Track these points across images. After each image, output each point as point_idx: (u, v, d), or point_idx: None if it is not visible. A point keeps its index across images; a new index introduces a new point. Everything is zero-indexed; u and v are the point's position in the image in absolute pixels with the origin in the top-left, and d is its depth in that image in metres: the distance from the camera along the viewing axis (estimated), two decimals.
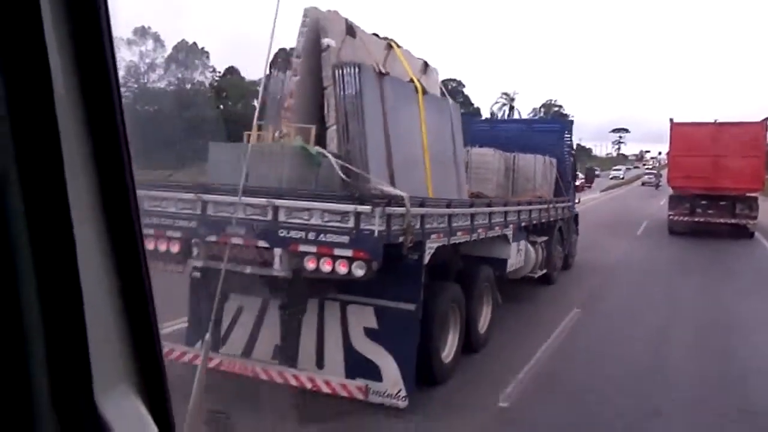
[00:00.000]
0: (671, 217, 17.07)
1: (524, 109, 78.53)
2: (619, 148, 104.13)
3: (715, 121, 17.03)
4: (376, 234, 4.17)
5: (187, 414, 1.53)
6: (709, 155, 16.15)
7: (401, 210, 4.46)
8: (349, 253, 4.24)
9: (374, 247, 4.18)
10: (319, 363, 4.97)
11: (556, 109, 79.48)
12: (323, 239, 4.31)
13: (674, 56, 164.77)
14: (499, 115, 66.31)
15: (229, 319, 5.19)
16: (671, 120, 17.10)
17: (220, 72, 48.99)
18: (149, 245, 4.94)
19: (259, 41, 5.62)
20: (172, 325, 5.74)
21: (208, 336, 3.64)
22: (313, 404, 4.57)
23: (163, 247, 4.87)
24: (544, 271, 9.39)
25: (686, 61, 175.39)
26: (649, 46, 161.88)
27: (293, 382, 4.60)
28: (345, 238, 4.25)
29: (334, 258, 4.29)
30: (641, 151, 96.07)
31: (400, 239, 4.46)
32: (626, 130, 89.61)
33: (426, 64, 7.19)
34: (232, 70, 49.17)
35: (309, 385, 4.56)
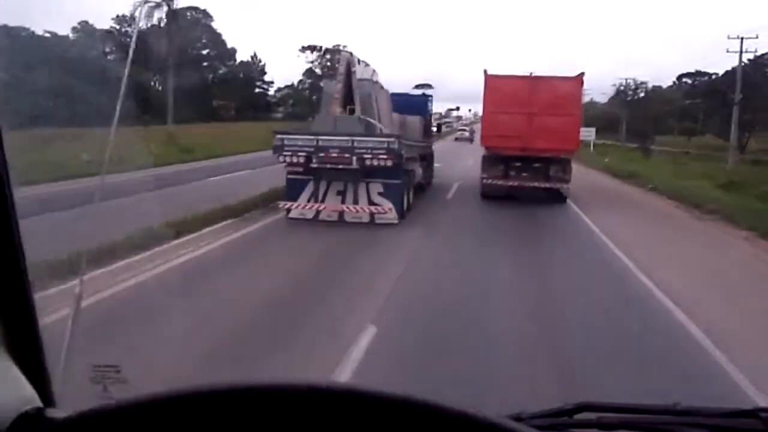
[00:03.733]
0: (484, 180, 15.88)
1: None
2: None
3: (531, 74, 16.06)
4: (396, 146, 11.74)
5: (60, 369, 1.26)
6: (525, 112, 15.11)
7: (396, 140, 12.07)
8: (384, 156, 11.72)
9: (395, 153, 11.74)
10: (359, 205, 12.36)
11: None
12: (374, 151, 11.72)
13: (483, 11, 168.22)
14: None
15: (324, 190, 12.35)
16: (485, 71, 15.70)
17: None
18: (291, 158, 11.90)
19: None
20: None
21: (80, 281, 1.92)
22: (355, 226, 12.05)
23: (296, 160, 11.91)
24: (425, 181, 17.57)
25: (497, 17, 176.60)
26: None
27: (350, 212, 12.03)
28: (383, 150, 11.73)
29: (378, 158, 11.74)
30: (447, 109, 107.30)
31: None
32: (429, 86, 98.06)
33: (374, 70, 14.66)
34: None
35: (355, 210, 12.02)
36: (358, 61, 13.01)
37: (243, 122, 53.16)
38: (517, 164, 15.80)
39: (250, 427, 0.66)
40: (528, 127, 15.22)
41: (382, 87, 14.85)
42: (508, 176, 15.85)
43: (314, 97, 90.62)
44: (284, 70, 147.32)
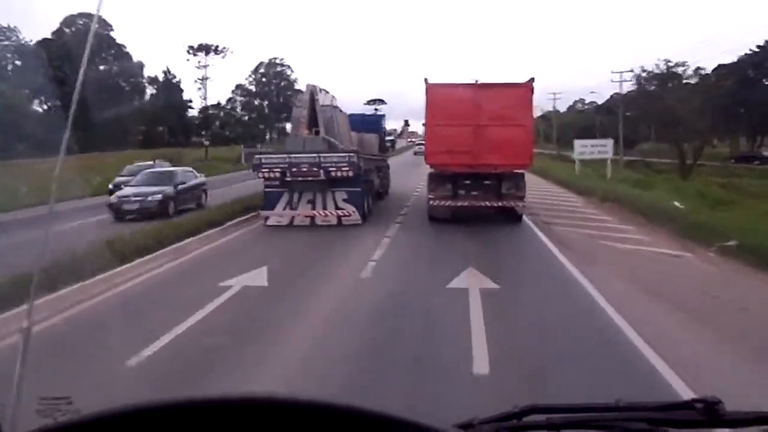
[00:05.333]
0: (431, 201, 14.90)
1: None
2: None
3: (476, 81, 14.91)
4: (355, 159, 14.41)
5: (9, 406, 1.31)
6: (471, 124, 14.19)
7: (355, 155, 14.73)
8: (346, 168, 14.37)
9: (355, 165, 14.41)
10: (327, 209, 14.94)
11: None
12: (337, 164, 14.35)
13: (428, 22, 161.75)
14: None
15: (296, 199, 14.88)
16: (426, 81, 14.64)
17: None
18: (268, 173, 14.42)
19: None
20: None
21: (29, 309, 2.00)
22: (322, 228, 14.65)
23: (272, 175, 14.44)
24: (382, 190, 20.29)
25: (442, 26, 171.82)
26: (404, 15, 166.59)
27: (320, 217, 14.65)
28: (345, 164, 14.38)
29: (341, 170, 14.36)
30: (403, 126, 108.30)
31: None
32: (382, 101, 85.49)
33: (333, 96, 17.31)
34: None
35: (323, 215, 14.65)
36: (320, 90, 15.64)
37: (149, 149, 46.12)
38: (467, 182, 14.79)
39: None
40: (475, 141, 14.16)
41: (341, 111, 17.55)
42: (457, 196, 14.81)
43: (248, 117, 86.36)
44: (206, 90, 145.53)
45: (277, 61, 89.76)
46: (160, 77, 73.56)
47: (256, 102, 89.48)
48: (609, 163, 30.69)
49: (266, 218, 15.00)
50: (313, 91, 15.35)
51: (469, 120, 14.22)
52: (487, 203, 14.73)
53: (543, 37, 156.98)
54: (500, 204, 14.72)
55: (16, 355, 1.50)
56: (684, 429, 1.16)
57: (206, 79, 67.35)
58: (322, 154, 14.48)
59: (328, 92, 16.60)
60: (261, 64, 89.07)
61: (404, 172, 27.78)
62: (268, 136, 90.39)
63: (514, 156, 14.25)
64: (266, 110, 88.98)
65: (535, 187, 21.82)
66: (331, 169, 14.34)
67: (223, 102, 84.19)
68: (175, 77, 73.84)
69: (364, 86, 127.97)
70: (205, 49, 67.06)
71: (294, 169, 14.42)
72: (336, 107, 16.82)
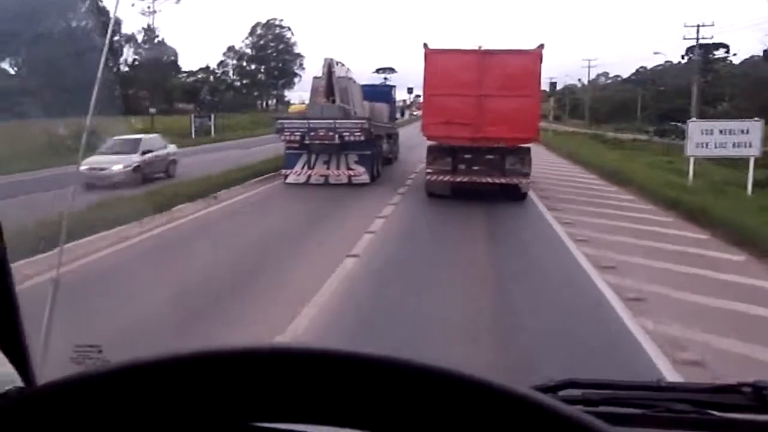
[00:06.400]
0: (429, 176, 14.34)
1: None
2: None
3: (480, 48, 14.13)
4: (367, 126, 16.40)
5: (41, 348, 1.30)
6: (474, 94, 13.54)
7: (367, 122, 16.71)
8: (359, 133, 16.34)
9: (366, 131, 16.39)
10: (340, 169, 16.95)
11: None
12: (350, 130, 16.32)
13: None
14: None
15: (314, 160, 16.90)
16: (425, 46, 14.03)
17: None
18: (290, 137, 16.44)
19: None
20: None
21: (60, 254, 2.29)
22: (335, 187, 16.69)
23: (293, 138, 16.45)
24: (392, 156, 22.24)
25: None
26: None
27: (333, 176, 16.69)
28: (358, 129, 16.36)
29: (354, 135, 16.34)
30: (415, 96, 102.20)
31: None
32: (392, 70, 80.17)
33: (348, 68, 19.15)
34: None
35: (336, 174, 16.70)
36: (336, 62, 17.49)
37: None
38: (467, 156, 14.10)
39: (233, 392, 0.63)
40: (478, 112, 13.50)
41: (355, 82, 19.44)
42: (456, 170, 14.09)
43: (242, 82, 77.93)
44: (191, 52, 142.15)
45: (276, 23, 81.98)
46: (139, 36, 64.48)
47: (252, 67, 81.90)
48: (752, 167, 15.66)
49: (286, 176, 17.04)
50: (330, 64, 17.20)
51: (470, 89, 13.56)
52: (490, 179, 14.02)
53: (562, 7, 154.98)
54: (504, 181, 13.99)
55: (48, 302, 1.50)
56: (731, 413, 1.11)
57: (153, 29, 59.08)
58: (337, 121, 16.43)
59: (343, 65, 18.46)
60: (258, 24, 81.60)
61: (417, 142, 29.12)
62: (262, 103, 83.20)
63: (519, 129, 13.46)
64: (262, 76, 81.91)
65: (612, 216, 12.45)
66: (345, 134, 16.29)
67: (213, 65, 76.70)
68: (157, 36, 65.57)
69: (373, 54, 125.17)
70: None
71: (312, 133, 16.39)
72: (351, 78, 18.69)
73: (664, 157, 26.67)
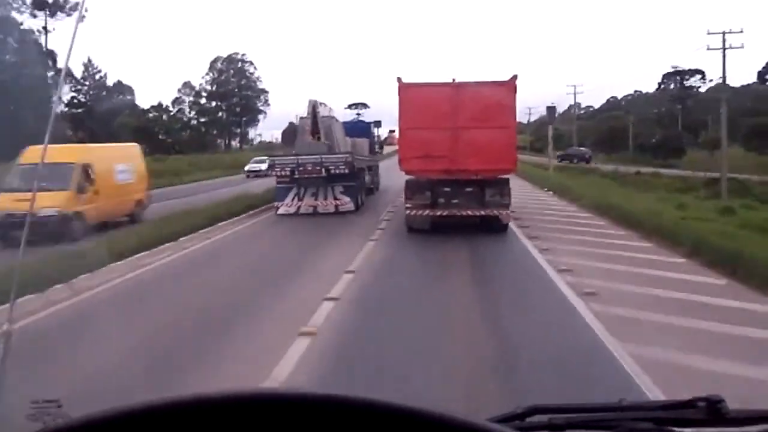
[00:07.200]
0: (409, 211, 14.32)
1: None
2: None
3: (453, 80, 14.27)
4: (350, 159, 18.23)
5: None
6: (449, 127, 13.68)
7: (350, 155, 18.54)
8: (343, 166, 18.14)
9: (350, 164, 18.21)
10: (327, 200, 18.68)
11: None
12: (335, 164, 18.11)
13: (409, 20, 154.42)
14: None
15: (303, 192, 18.60)
16: (399, 80, 14.14)
17: None
18: (281, 172, 18.15)
19: None
20: None
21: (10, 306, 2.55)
22: (323, 217, 18.40)
23: (284, 173, 18.18)
24: (373, 186, 24.02)
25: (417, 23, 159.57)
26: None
27: (321, 205, 18.44)
28: (342, 163, 18.17)
29: (339, 168, 18.12)
30: (389, 134, 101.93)
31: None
32: (365, 105, 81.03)
33: (330, 108, 21.01)
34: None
35: (324, 204, 18.46)
36: (320, 103, 19.37)
37: None
38: (446, 189, 14.10)
39: None
40: (455, 145, 13.64)
41: (337, 120, 21.40)
42: (436, 205, 14.08)
43: (201, 120, 73.29)
44: (141, 89, 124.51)
45: (239, 57, 78.98)
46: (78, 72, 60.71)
47: (213, 104, 78.02)
48: None
49: (277, 208, 18.69)
50: (315, 105, 19.09)
51: (446, 122, 13.71)
52: (470, 212, 14.05)
53: (530, 37, 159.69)
54: (483, 213, 14.05)
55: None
56: (688, 428, 1.20)
57: (93, 64, 56.19)
58: (323, 156, 18.20)
59: (326, 105, 20.37)
60: (218, 59, 78.33)
61: (396, 174, 30.15)
62: (223, 142, 78.64)
63: (496, 160, 13.66)
64: (223, 113, 78.57)
65: None
66: (330, 167, 18.06)
67: (167, 103, 71.92)
68: (99, 70, 61.22)
69: (345, 89, 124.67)
70: (47, 5, 49.05)
71: (301, 168, 18.14)
72: (333, 117, 20.60)
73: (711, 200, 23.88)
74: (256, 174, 34.76)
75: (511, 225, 14.51)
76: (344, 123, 22.82)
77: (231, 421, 0.65)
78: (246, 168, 39.79)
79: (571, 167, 43.28)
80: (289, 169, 18.26)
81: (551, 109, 32.87)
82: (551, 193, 23.53)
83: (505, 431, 0.66)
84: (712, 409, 1.17)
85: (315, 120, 19.17)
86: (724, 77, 35.19)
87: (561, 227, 15.34)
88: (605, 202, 18.38)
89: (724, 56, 32.78)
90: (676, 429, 1.19)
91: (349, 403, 0.65)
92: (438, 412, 0.63)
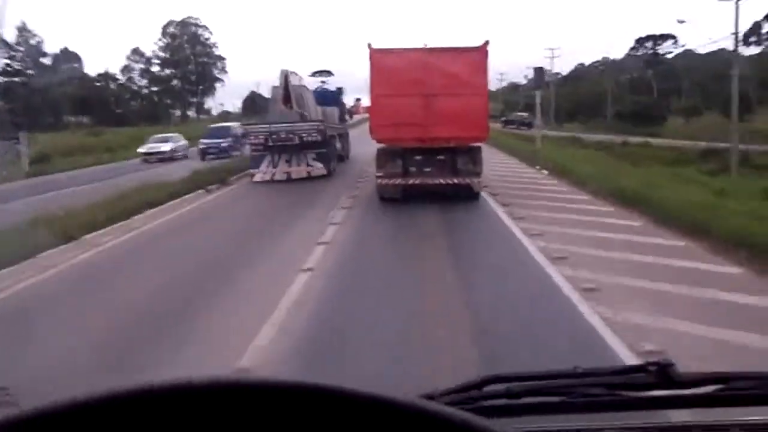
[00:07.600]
0: (380, 180, 14.24)
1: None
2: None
3: (425, 45, 14.20)
4: (322, 127, 19.01)
5: None
6: (421, 93, 13.47)
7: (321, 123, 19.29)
8: (316, 134, 18.88)
9: (322, 132, 18.98)
10: (300, 166, 19.47)
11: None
12: (308, 131, 18.85)
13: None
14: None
15: (277, 159, 19.31)
16: (369, 46, 13.93)
17: None
18: (254, 140, 18.82)
19: None
20: None
21: None
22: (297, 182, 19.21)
23: (258, 141, 18.86)
24: (344, 154, 24.82)
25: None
26: None
27: (294, 171, 19.21)
28: (314, 131, 18.94)
29: (311, 136, 18.88)
30: (356, 100, 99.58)
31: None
32: (329, 72, 76.18)
33: (301, 77, 21.59)
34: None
35: (297, 170, 19.25)
36: (291, 72, 19.95)
37: None
38: (418, 158, 14.02)
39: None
40: (426, 112, 13.44)
41: (307, 89, 22.01)
42: (408, 173, 14.00)
43: (153, 89, 68.73)
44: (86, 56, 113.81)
45: (192, 21, 74.24)
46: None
47: (166, 72, 73.68)
48: None
49: (252, 175, 19.37)
50: (287, 75, 19.66)
51: (417, 89, 13.44)
52: (441, 180, 13.94)
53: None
54: (456, 181, 13.93)
55: None
56: (640, 392, 1.24)
57: (29, 29, 51.35)
58: (296, 124, 18.88)
59: (297, 74, 20.94)
60: (170, 23, 73.65)
61: (365, 144, 29.46)
62: (178, 113, 74.26)
63: (468, 128, 13.49)
64: (178, 82, 74.46)
65: None
66: (303, 135, 18.79)
67: (115, 71, 67.69)
68: (35, 35, 56.44)
69: (308, 56, 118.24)
70: None
71: (274, 136, 18.80)
72: (304, 86, 21.22)
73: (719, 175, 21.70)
74: (160, 158, 28.87)
75: (511, 225, 11.41)
76: (313, 92, 23.42)
77: (184, 411, 0.65)
78: (142, 149, 31.16)
79: (551, 137, 37.76)
80: (262, 137, 18.91)
81: (539, 71, 28.95)
82: (545, 172, 19.99)
83: (441, 410, 0.67)
84: (662, 373, 1.20)
85: (287, 89, 19.75)
86: (736, 35, 31.00)
87: (584, 233, 10.28)
88: (621, 187, 14.06)
89: (737, 7, 28.93)
90: (627, 393, 1.23)
91: (267, 385, 0.66)
92: (367, 392, 0.64)
